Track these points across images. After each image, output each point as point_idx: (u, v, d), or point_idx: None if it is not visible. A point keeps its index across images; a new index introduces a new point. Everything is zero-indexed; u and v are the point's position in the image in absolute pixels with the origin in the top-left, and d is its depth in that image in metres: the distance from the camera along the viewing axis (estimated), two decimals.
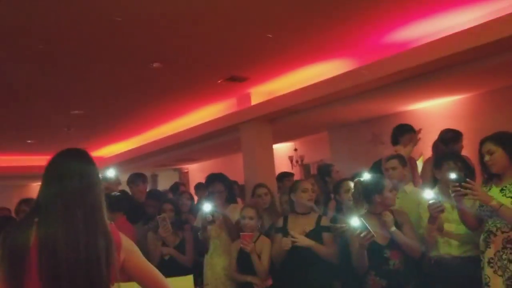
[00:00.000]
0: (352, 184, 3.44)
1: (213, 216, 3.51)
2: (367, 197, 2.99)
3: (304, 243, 3.13)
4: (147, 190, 4.67)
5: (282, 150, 9.77)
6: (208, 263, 3.67)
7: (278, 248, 3.25)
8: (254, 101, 6.43)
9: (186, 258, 3.82)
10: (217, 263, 3.63)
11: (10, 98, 5.53)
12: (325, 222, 3.30)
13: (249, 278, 3.34)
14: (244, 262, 3.37)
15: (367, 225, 2.69)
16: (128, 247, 1.62)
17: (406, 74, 4.81)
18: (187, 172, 11.93)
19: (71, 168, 1.58)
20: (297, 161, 9.53)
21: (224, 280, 3.56)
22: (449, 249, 2.93)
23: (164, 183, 11.93)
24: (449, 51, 4.22)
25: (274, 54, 4.82)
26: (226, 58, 4.84)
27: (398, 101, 6.11)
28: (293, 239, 3.10)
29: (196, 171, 11.51)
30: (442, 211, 2.78)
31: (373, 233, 2.69)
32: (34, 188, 11.69)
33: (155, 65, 4.67)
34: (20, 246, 1.46)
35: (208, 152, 9.49)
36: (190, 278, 2.28)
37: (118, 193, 3.94)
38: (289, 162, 9.48)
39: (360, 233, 2.68)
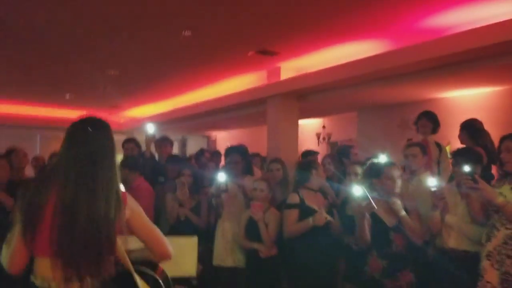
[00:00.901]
0: (359, 169, 3.52)
1: (226, 185, 3.66)
2: (367, 180, 3.07)
3: (328, 219, 3.29)
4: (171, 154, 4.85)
5: (310, 126, 9.78)
6: (220, 228, 3.86)
7: (295, 223, 3.37)
8: (284, 76, 6.46)
9: (200, 220, 4.03)
10: (228, 228, 3.82)
11: (52, 54, 5.79)
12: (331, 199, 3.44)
13: (255, 245, 3.53)
14: (252, 230, 3.54)
15: (368, 195, 2.79)
16: (132, 207, 1.80)
17: (440, 61, 4.71)
18: (215, 140, 12.15)
19: (93, 137, 1.76)
20: (324, 138, 9.55)
21: (233, 244, 3.75)
22: (447, 240, 2.99)
23: (192, 148, 12.22)
24: (486, 42, 4.10)
25: (307, 30, 4.81)
26: (258, 31, 4.87)
27: (430, 87, 6.00)
28: (326, 216, 3.25)
29: (224, 139, 11.71)
30: (443, 199, 2.85)
31: (373, 204, 2.78)
32: None
33: (186, 33, 4.76)
34: (37, 203, 1.64)
35: (236, 122, 9.62)
36: (195, 239, 2.44)
37: (135, 155, 4.17)
38: (316, 138, 9.51)
39: (362, 202, 2.79)
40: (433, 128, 4.32)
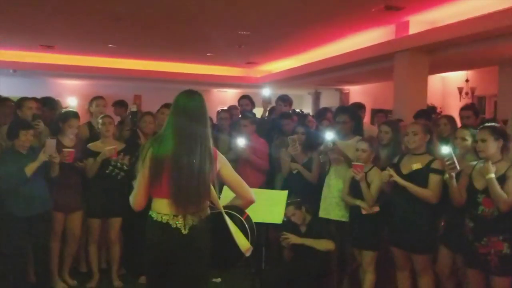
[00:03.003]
0: (467, 133, 3.37)
1: (333, 144, 3.88)
2: None
3: (400, 181, 3.33)
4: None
5: (453, 79, 9.15)
6: (327, 183, 4.13)
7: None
8: (413, 30, 6.20)
9: (312, 175, 4.35)
10: (334, 184, 4.06)
11: (189, 18, 6.52)
12: (436, 165, 3.36)
13: (358, 202, 3.73)
14: (355, 188, 3.74)
15: (453, 155, 2.94)
16: (221, 161, 2.31)
17: None
18: (348, 93, 12.11)
19: (191, 106, 2.25)
20: (466, 93, 8.84)
21: (338, 200, 3.99)
22: None
23: (326, 101, 12.40)
24: None
25: None
26: None
27: None
28: (391, 173, 3.33)
29: (357, 93, 11.62)
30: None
31: (456, 164, 2.93)
32: (215, 94, 13.52)
33: None
34: (162, 156, 2.18)
35: (364, 76, 9.51)
36: (284, 193, 2.78)
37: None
38: (457, 93, 8.88)
39: (447, 160, 2.97)
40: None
